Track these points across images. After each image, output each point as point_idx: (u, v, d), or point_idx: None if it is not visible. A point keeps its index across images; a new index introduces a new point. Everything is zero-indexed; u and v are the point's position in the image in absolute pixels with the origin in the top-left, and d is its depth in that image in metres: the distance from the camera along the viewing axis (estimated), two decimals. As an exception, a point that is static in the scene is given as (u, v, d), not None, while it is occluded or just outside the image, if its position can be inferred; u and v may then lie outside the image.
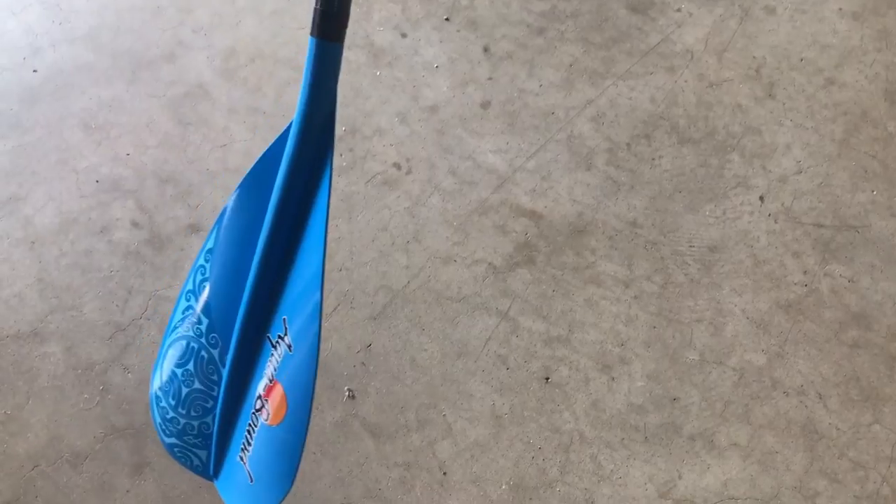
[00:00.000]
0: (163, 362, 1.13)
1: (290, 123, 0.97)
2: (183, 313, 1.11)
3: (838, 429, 1.54)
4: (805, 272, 1.65)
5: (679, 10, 1.89)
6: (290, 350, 0.99)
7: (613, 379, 1.58)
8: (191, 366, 1.10)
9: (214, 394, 1.09)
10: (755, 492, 1.51)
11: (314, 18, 0.90)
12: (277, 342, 1.01)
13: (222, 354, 1.08)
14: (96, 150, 1.75)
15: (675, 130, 1.77)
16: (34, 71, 1.83)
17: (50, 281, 1.64)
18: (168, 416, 1.13)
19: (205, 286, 1.09)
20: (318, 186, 0.98)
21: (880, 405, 1.56)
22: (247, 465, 1.06)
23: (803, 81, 1.81)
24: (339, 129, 1.78)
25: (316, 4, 0.89)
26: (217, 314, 1.08)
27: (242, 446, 1.07)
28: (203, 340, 1.09)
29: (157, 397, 1.13)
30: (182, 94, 1.81)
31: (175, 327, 1.12)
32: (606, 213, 1.70)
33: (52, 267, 1.65)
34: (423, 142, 1.76)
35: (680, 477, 1.52)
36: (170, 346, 1.12)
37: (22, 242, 1.67)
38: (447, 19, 1.89)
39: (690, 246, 1.67)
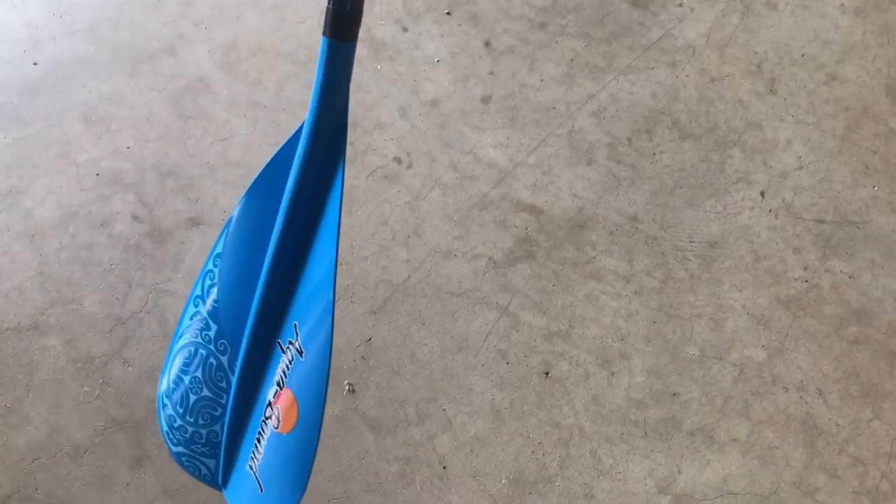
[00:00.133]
0: (170, 369, 1.10)
1: (302, 124, 0.94)
2: (191, 319, 1.08)
3: (838, 425, 1.54)
4: (805, 268, 1.65)
5: (680, 4, 1.88)
6: (301, 356, 0.96)
7: (613, 374, 1.58)
8: (199, 373, 1.07)
9: (223, 401, 1.07)
10: (755, 487, 1.51)
11: (326, 18, 0.87)
12: (288, 347, 0.98)
13: (231, 361, 1.05)
14: (96, 143, 1.75)
15: (677, 125, 1.77)
16: (34, 64, 1.82)
17: (50, 274, 1.64)
18: (175, 425, 1.10)
19: (213, 291, 1.06)
20: (330, 189, 0.95)
21: (880, 401, 1.56)
22: (256, 474, 1.03)
23: (805, 77, 1.81)
24: (340, 124, 1.77)
25: (328, 4, 0.87)
26: (226, 320, 1.06)
27: (252, 455, 1.04)
28: (211, 347, 1.07)
29: (164, 405, 1.10)
30: (182, 88, 1.80)
31: (182, 333, 1.10)
32: (607, 208, 1.70)
33: (53, 260, 1.65)
34: (423, 136, 1.76)
35: (679, 472, 1.52)
36: (177, 352, 1.09)
37: (22, 235, 1.67)
38: (448, 13, 1.88)
39: (691, 241, 1.67)
